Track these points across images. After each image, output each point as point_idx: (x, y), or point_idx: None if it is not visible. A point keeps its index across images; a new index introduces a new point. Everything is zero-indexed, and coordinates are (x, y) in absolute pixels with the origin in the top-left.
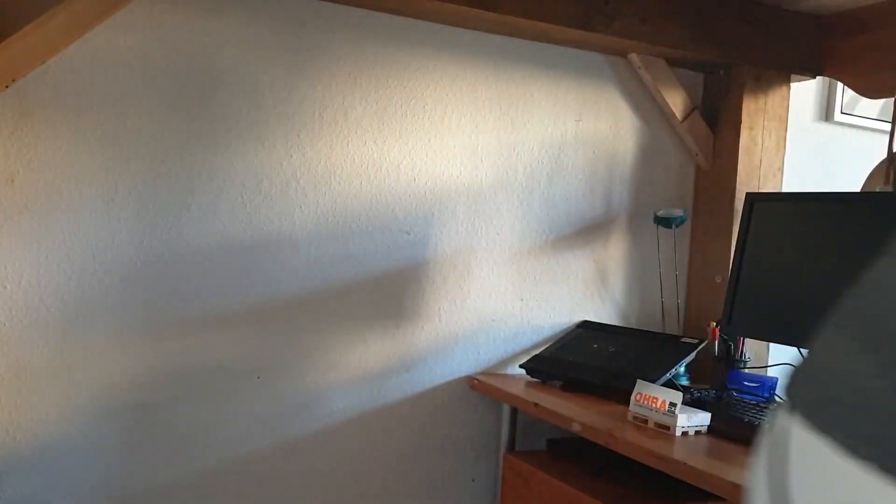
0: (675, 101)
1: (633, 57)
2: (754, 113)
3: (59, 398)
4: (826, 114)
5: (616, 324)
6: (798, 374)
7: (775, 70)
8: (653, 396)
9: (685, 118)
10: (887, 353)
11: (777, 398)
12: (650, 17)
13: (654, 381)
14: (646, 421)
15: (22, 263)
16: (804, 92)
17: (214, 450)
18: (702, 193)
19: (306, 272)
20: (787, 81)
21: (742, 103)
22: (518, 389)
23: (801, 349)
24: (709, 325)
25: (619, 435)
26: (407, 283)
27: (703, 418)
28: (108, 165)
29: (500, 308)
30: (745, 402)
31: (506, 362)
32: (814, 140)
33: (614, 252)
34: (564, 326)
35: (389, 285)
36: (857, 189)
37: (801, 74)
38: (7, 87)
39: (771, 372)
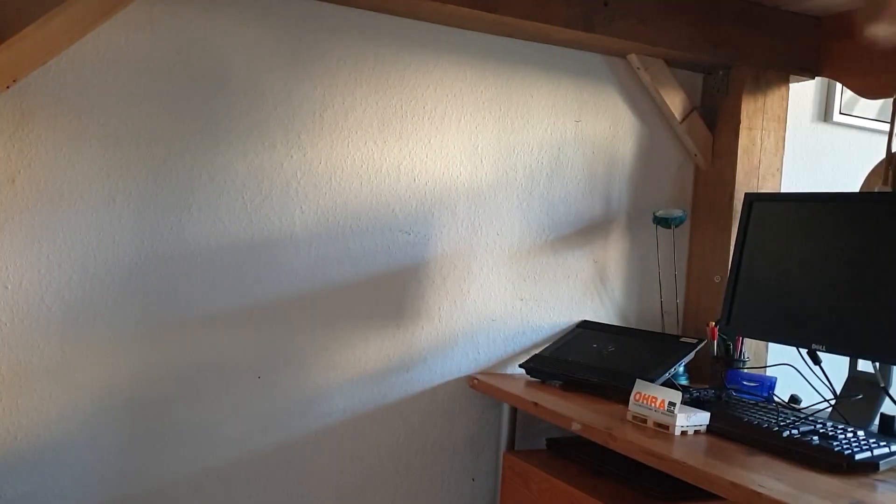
0: (675, 102)
1: (633, 58)
2: (753, 113)
3: (60, 398)
4: (825, 114)
5: (615, 324)
6: None
7: (774, 70)
8: (652, 396)
9: (684, 118)
10: None
11: (776, 398)
12: (649, 18)
13: (653, 381)
14: (645, 420)
15: (23, 263)
16: (803, 92)
17: (214, 450)
18: (701, 193)
19: (306, 272)
20: (786, 82)
21: (741, 104)
22: (518, 389)
23: (800, 349)
24: (708, 325)
25: (618, 434)
26: (407, 283)
27: (702, 418)
28: (109, 166)
29: (499, 308)
30: (744, 402)
31: (505, 362)
32: (812, 140)
33: (614, 252)
34: (564, 326)
35: (389, 285)
36: (856, 189)
37: (800, 75)
38: (8, 87)
39: (770, 372)
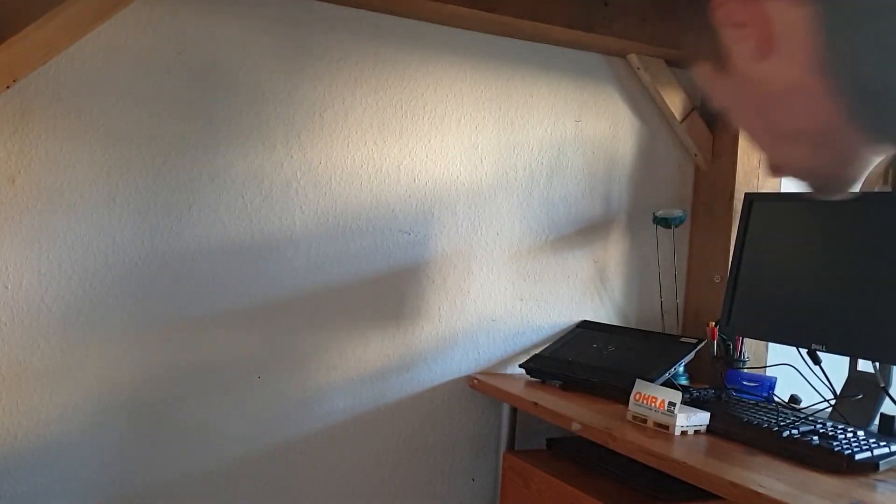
0: (675, 102)
1: (633, 57)
2: None
3: (60, 398)
4: None
5: (615, 323)
6: None
7: None
8: (652, 396)
9: (684, 118)
10: None
11: (776, 397)
12: (649, 18)
13: (653, 381)
14: (645, 420)
15: (23, 263)
16: None
17: (214, 449)
18: (701, 193)
19: (306, 272)
20: None
21: None
22: (518, 389)
23: (800, 349)
24: (708, 325)
25: (618, 434)
26: (407, 283)
27: (702, 418)
28: (109, 166)
29: (499, 308)
30: (744, 402)
31: (505, 362)
32: None
33: (613, 252)
34: (564, 326)
35: (389, 285)
36: (856, 189)
37: None
38: (8, 87)
39: (770, 372)
